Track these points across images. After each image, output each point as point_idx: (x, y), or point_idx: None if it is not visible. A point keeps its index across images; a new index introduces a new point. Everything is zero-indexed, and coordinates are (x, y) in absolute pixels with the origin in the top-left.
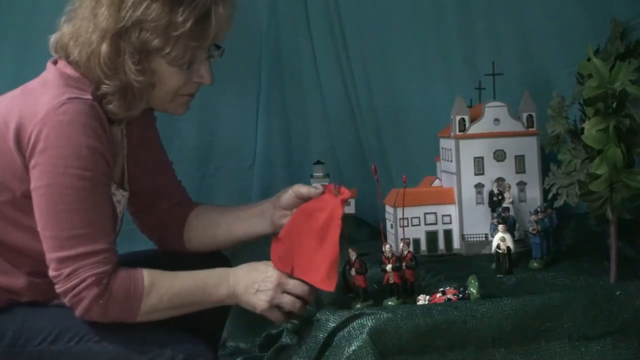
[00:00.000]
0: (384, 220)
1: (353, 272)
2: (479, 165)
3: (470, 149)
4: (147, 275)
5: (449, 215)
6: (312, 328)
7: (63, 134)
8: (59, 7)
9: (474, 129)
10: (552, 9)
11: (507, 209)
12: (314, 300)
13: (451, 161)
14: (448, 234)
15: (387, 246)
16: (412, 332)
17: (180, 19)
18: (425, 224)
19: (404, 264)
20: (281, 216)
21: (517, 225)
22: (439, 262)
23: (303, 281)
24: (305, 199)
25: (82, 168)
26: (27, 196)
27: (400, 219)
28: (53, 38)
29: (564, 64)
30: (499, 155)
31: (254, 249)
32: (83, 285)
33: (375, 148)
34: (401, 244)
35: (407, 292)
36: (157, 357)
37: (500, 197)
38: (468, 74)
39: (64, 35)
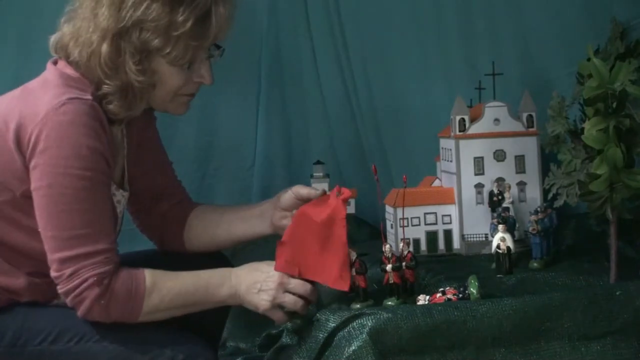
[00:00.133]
0: (384, 220)
1: (353, 272)
2: (479, 165)
3: (470, 149)
4: (148, 275)
5: (449, 215)
6: (312, 328)
7: (63, 134)
8: (59, 7)
9: (474, 129)
10: (552, 9)
11: (507, 209)
12: (316, 299)
13: (451, 161)
14: (448, 234)
15: (387, 246)
16: (412, 332)
17: (180, 18)
18: (425, 224)
19: (404, 264)
20: (281, 217)
21: (517, 225)
22: (439, 262)
23: (305, 280)
24: (305, 200)
25: (82, 168)
26: (27, 196)
27: (400, 219)
28: (53, 38)
29: (564, 64)
30: (499, 155)
31: (254, 249)
32: (84, 285)
33: (375, 148)
34: (401, 244)
35: (407, 292)
36: (157, 357)
37: (500, 197)
38: (468, 74)
39: (64, 35)
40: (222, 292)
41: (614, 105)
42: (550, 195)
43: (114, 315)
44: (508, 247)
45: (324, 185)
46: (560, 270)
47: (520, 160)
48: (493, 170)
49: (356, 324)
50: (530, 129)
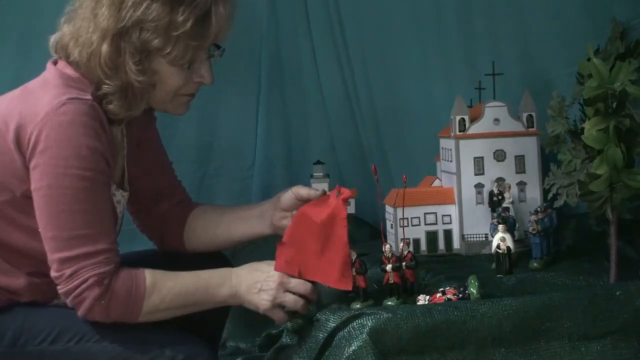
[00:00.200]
0: (384, 220)
1: (353, 272)
2: (479, 165)
3: (470, 149)
4: (149, 275)
5: (449, 215)
6: (312, 328)
7: (63, 134)
8: (59, 7)
9: (474, 129)
10: (552, 9)
11: (507, 209)
12: (316, 298)
13: (451, 161)
14: (448, 234)
15: (387, 246)
16: (412, 332)
17: (180, 18)
18: (425, 224)
19: (404, 264)
20: (281, 217)
21: (517, 225)
22: (439, 262)
23: (305, 279)
24: (305, 201)
25: (82, 168)
26: (27, 196)
27: (400, 219)
28: (53, 38)
29: (564, 64)
30: (499, 155)
31: (254, 249)
32: (85, 285)
33: (375, 148)
34: (401, 244)
35: (407, 292)
36: (157, 357)
37: (500, 197)
38: (468, 74)
39: (64, 35)
40: (223, 292)
41: (614, 105)
42: (550, 195)
43: (114, 315)
44: (508, 247)
45: (324, 185)
46: (560, 270)
47: (520, 160)
48: (493, 170)
49: (356, 324)
50: (530, 129)
